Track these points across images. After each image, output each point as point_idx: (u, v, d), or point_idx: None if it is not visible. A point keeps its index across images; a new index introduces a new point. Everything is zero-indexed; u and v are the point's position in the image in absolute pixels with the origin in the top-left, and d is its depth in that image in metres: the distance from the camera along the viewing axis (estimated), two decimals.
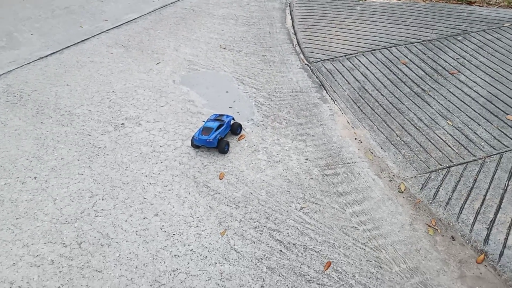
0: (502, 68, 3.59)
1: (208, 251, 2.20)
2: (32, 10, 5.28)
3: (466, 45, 3.98)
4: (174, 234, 2.30)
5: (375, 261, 2.13)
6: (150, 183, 2.63)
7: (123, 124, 3.16)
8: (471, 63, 3.69)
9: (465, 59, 3.76)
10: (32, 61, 4.08)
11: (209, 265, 2.13)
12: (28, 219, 2.43)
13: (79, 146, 2.95)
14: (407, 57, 3.85)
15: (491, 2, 4.78)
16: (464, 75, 3.54)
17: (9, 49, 4.32)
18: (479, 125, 2.97)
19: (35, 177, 2.71)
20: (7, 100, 3.48)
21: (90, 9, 5.28)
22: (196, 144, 2.85)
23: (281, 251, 2.19)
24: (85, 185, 2.64)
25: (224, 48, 4.19)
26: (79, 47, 4.32)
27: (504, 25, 4.28)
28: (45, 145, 2.98)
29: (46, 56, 4.17)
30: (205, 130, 2.80)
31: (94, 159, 2.84)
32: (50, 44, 4.40)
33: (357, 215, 2.38)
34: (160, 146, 2.94)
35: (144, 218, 2.40)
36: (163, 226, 2.35)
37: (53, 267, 2.15)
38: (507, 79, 3.45)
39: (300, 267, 2.11)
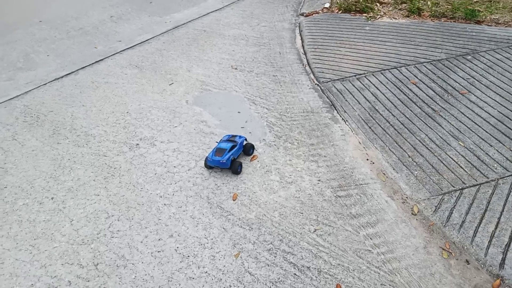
0: None
1: (223, 273, 2.22)
2: (48, 31, 5.42)
3: (476, 65, 4.00)
4: (189, 256, 2.32)
5: (389, 285, 2.14)
6: (164, 204, 2.67)
7: (137, 144, 3.22)
8: (481, 83, 3.71)
9: (475, 79, 3.79)
10: (48, 82, 4.18)
11: None
12: (46, 239, 2.47)
13: (95, 167, 3.01)
14: (417, 77, 3.88)
15: (500, 22, 4.82)
16: (475, 95, 3.56)
17: (26, 70, 4.44)
18: (491, 146, 2.98)
19: (52, 198, 2.77)
20: (25, 121, 3.56)
21: (103, 30, 5.41)
22: (210, 165, 2.89)
23: (295, 274, 2.20)
24: (101, 205, 2.68)
25: (236, 69, 4.26)
26: (94, 68, 4.43)
27: None
28: (62, 166, 3.04)
29: (62, 77, 4.27)
30: (218, 151, 2.85)
31: (110, 179, 2.89)
32: (65, 65, 4.51)
33: (371, 238, 2.39)
34: (174, 166, 2.99)
35: (159, 240, 2.43)
36: (177, 247, 2.38)
37: None
38: None
39: None
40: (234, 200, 2.69)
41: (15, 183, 2.91)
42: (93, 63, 4.53)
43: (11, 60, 4.68)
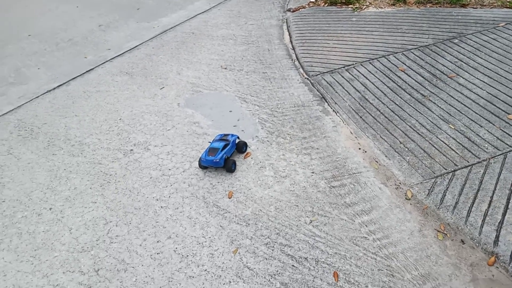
0: (500, 68, 3.63)
1: (222, 270, 2.25)
2: (38, 45, 5.45)
3: (463, 48, 4.03)
4: (187, 256, 2.35)
5: (386, 269, 2.16)
6: (161, 207, 2.70)
7: (132, 150, 3.24)
8: (469, 65, 3.74)
9: (462, 61, 3.81)
10: (41, 95, 4.20)
11: (224, 284, 2.18)
12: (46, 249, 2.50)
13: (91, 175, 3.04)
14: (405, 64, 3.91)
15: (485, 3, 4.84)
16: (463, 78, 3.58)
17: (18, 85, 4.46)
18: (481, 126, 3.01)
19: (50, 208, 2.79)
20: (19, 135, 3.59)
21: (93, 39, 5.43)
22: (204, 165, 2.92)
23: (293, 265, 2.23)
24: (99, 212, 2.71)
25: (225, 68, 4.28)
26: (85, 78, 4.45)
27: (499, 25, 4.33)
28: (58, 176, 3.07)
29: (54, 88, 4.30)
30: (211, 150, 2.87)
31: (106, 186, 2.92)
32: (56, 76, 4.54)
33: (366, 225, 2.42)
34: (169, 169, 3.01)
35: (157, 242, 2.45)
36: (176, 248, 2.40)
37: None
38: (506, 78, 3.48)
39: (313, 281, 2.14)
40: (230, 198, 2.72)
41: (13, 197, 2.93)
42: (83, 73, 4.55)
43: (3, 76, 4.70)
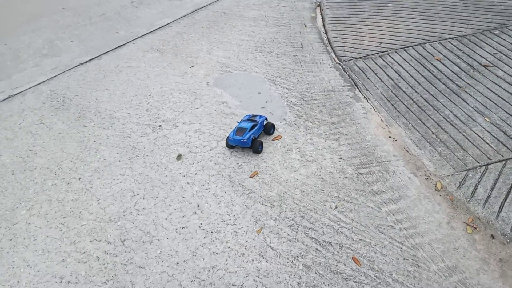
0: None
1: (245, 248, 2.26)
2: (72, 18, 5.52)
3: (504, 39, 3.86)
4: (212, 232, 2.37)
5: (412, 259, 2.13)
6: (188, 183, 2.72)
7: (160, 126, 3.27)
8: (509, 58, 3.59)
9: (502, 53, 3.66)
10: (73, 67, 4.27)
11: (247, 262, 2.19)
12: (74, 218, 2.56)
13: (120, 148, 3.08)
14: (441, 53, 3.78)
15: None
16: (502, 70, 3.44)
17: (51, 56, 4.54)
18: None
19: (79, 178, 2.86)
20: (51, 105, 3.67)
21: (125, 15, 5.46)
22: (231, 144, 2.92)
23: (317, 249, 2.22)
24: (127, 185, 2.76)
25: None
26: (117, 53, 4.49)
27: None
28: (88, 147, 3.13)
29: (86, 62, 4.36)
30: (239, 130, 2.87)
31: (135, 160, 2.96)
32: (89, 50, 4.60)
33: (393, 214, 2.38)
34: (196, 147, 3.03)
35: (183, 217, 2.48)
36: (201, 224, 2.43)
37: (99, 264, 2.27)
38: None
39: (337, 265, 2.13)
40: (255, 179, 2.71)
41: (44, 165, 3.01)
42: (115, 48, 4.60)
43: (37, 47, 4.80)
